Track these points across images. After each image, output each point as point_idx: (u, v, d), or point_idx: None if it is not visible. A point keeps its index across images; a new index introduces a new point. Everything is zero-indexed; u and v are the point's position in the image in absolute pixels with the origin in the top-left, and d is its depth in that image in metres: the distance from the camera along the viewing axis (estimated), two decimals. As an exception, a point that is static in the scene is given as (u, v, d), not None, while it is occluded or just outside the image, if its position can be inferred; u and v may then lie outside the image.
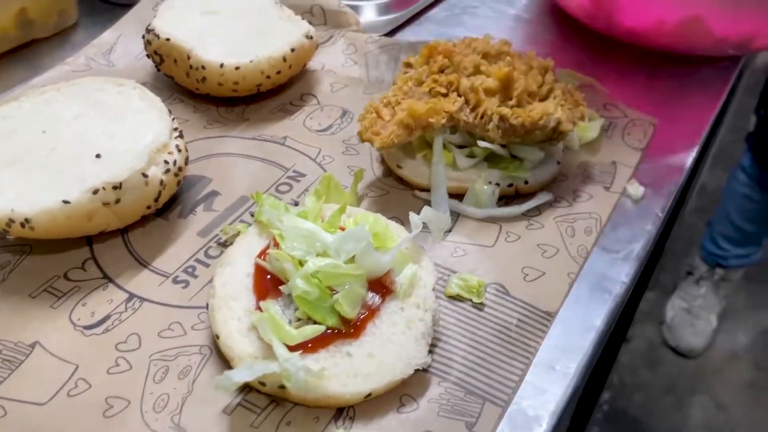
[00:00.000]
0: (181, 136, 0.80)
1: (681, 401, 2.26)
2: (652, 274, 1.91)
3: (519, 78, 0.79)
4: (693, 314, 2.35)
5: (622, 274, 0.75)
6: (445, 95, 0.79)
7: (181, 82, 0.95)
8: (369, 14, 1.15)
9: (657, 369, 2.37)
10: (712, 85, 1.06)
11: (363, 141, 0.78)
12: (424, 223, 0.72)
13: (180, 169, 0.77)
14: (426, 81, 0.80)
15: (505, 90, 0.79)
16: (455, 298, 0.71)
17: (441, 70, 0.81)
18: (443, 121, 0.76)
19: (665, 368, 2.36)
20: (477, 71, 0.81)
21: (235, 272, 0.68)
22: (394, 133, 0.76)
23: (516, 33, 1.17)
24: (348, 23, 1.11)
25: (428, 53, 0.81)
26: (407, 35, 1.14)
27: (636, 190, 0.85)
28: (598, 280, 0.75)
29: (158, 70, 0.97)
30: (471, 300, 0.71)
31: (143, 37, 0.96)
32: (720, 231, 2.27)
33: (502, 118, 0.78)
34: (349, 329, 0.63)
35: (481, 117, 0.78)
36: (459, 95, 0.79)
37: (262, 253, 0.69)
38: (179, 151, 0.77)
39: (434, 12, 1.21)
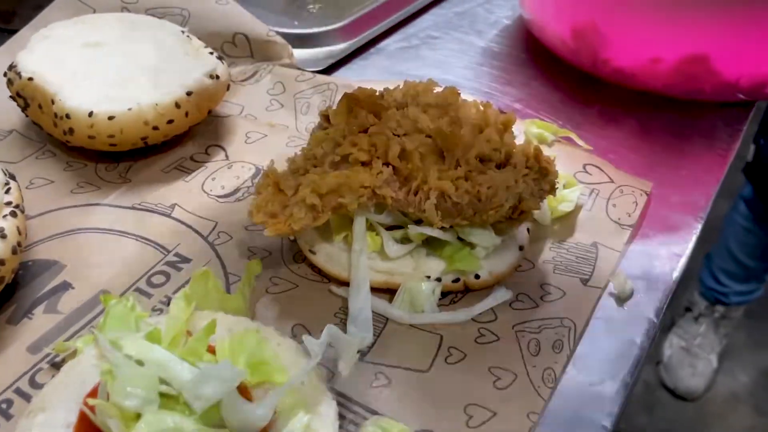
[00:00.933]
0: (14, 214, 0.60)
1: (680, 448, 2.12)
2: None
3: (467, 140, 0.60)
4: (692, 354, 2.24)
5: (602, 415, 0.55)
6: (368, 163, 0.59)
7: (50, 132, 0.75)
8: (303, 45, 0.95)
9: (654, 413, 2.22)
10: (718, 137, 0.86)
11: (255, 223, 0.58)
12: (330, 345, 0.52)
13: (2, 262, 0.56)
14: (343, 144, 0.60)
15: (448, 154, 0.60)
16: (370, 452, 0.51)
17: (364, 129, 0.61)
18: (361, 200, 0.57)
19: (663, 412, 2.21)
20: (415, 129, 0.61)
21: (50, 422, 0.48)
22: (293, 218, 0.56)
23: (483, 71, 0.98)
24: (278, 55, 0.91)
25: (347, 106, 0.61)
26: (350, 73, 0.94)
27: (623, 284, 0.65)
28: (569, 426, 0.54)
29: (26, 115, 0.77)
30: (388, 458, 0.51)
31: (5, 74, 0.76)
32: (720, 265, 2.19)
33: (443, 195, 0.58)
34: None
35: (416, 193, 0.58)
36: (386, 164, 0.58)
37: (93, 393, 0.48)
38: (3, 237, 0.57)
39: (386, 43, 1.02)
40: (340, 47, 0.97)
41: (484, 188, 0.58)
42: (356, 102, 0.61)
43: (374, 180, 0.57)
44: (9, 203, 0.60)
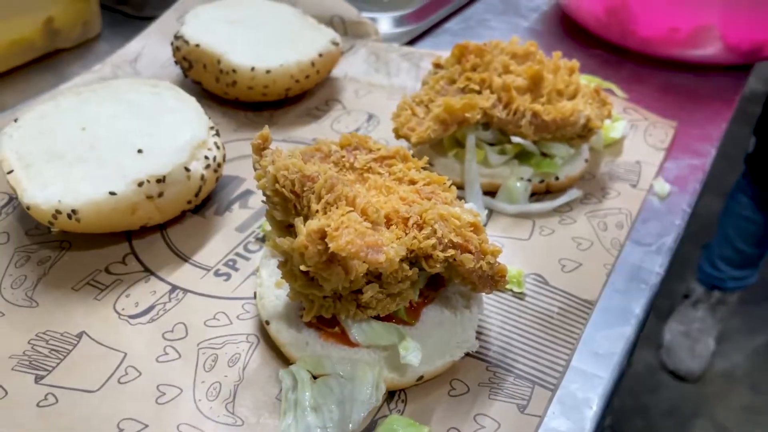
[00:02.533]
0: (217, 134, 0.81)
1: (682, 425, 2.25)
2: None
3: (548, 77, 0.81)
4: (691, 338, 2.34)
5: (656, 266, 0.77)
6: (479, 92, 0.80)
7: (209, 88, 0.96)
8: (385, 26, 1.18)
9: (657, 393, 2.36)
10: (725, 91, 1.09)
11: (399, 137, 0.80)
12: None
13: (219, 165, 0.78)
14: (459, 79, 0.81)
15: (535, 88, 0.81)
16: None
17: (473, 69, 0.82)
18: (478, 116, 0.78)
19: (665, 392, 2.35)
20: (507, 71, 0.83)
21: (264, 279, 0.68)
22: (430, 129, 0.77)
23: (530, 44, 1.20)
24: (367, 33, 1.13)
25: (459, 53, 0.83)
26: (424, 46, 1.17)
27: (662, 187, 0.87)
28: (633, 272, 0.76)
29: (186, 76, 0.99)
30: (512, 290, 0.72)
31: (172, 43, 0.98)
32: (718, 253, 2.26)
33: (535, 114, 0.79)
34: (408, 314, 0.63)
35: (514, 113, 0.80)
36: (492, 92, 0.80)
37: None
38: (218, 148, 0.78)
39: (450, 24, 1.24)
40: (413, 27, 1.18)
41: (564, 110, 0.80)
42: (466, 49, 0.83)
43: (486, 103, 0.79)
44: (212, 127, 0.81)
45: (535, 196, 0.85)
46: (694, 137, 0.97)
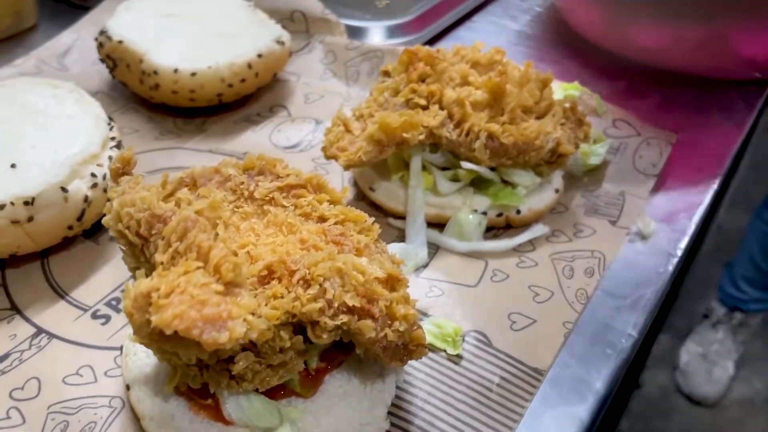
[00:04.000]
0: (119, 146, 0.69)
1: (695, 453, 2.12)
2: (666, 317, 1.77)
3: (512, 91, 0.68)
4: (709, 360, 2.21)
5: (628, 326, 0.63)
6: (425, 108, 0.68)
7: (135, 90, 0.85)
8: (377, 37, 1.03)
9: (670, 418, 2.23)
10: (736, 110, 0.94)
11: (327, 158, 0.67)
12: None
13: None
14: (403, 90, 0.68)
15: (495, 104, 0.68)
16: (427, 347, 0.59)
17: (422, 80, 0.69)
18: (421, 137, 0.65)
19: (678, 417, 2.22)
20: (464, 82, 0.70)
21: None
22: (362, 150, 0.64)
23: (517, 50, 1.06)
24: (332, 32, 1.00)
25: (407, 59, 0.70)
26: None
27: (647, 225, 0.73)
28: (599, 332, 0.62)
29: (113, 76, 0.87)
30: (445, 351, 0.59)
31: (96, 39, 0.86)
32: (742, 273, 2.13)
33: (491, 136, 0.66)
34: (304, 384, 0.51)
35: (467, 134, 0.67)
36: (441, 108, 0.67)
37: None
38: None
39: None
40: (407, 39, 1.03)
41: (528, 131, 0.66)
42: (415, 55, 0.70)
43: (432, 120, 0.66)
44: (113, 138, 0.69)
45: (493, 230, 0.72)
46: (693, 165, 0.83)
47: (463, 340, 0.60)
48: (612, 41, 1.01)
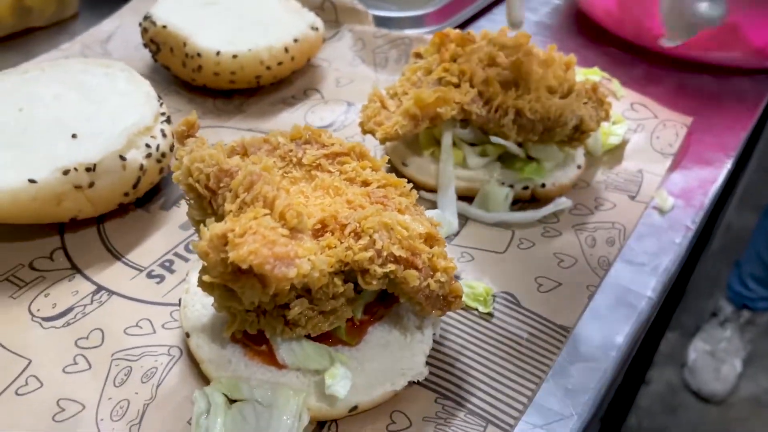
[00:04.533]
0: (168, 121, 0.74)
1: (703, 449, 2.14)
2: (674, 315, 1.80)
3: (537, 70, 0.72)
4: (717, 358, 2.24)
5: (648, 289, 0.67)
6: (457, 86, 0.72)
7: (177, 73, 0.89)
8: (401, 26, 1.07)
9: (677, 414, 2.25)
10: (747, 97, 0.98)
11: (364, 132, 0.72)
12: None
13: (163, 155, 0.70)
14: (436, 69, 0.73)
15: (522, 83, 0.72)
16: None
17: (453, 59, 0.74)
18: (453, 112, 0.69)
19: (686, 414, 2.24)
20: (492, 63, 0.74)
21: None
22: (398, 124, 0.69)
23: (537, 40, 1.10)
24: (360, 22, 1.05)
25: (439, 41, 0.75)
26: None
27: (665, 200, 0.77)
28: (621, 294, 0.66)
29: (155, 60, 0.92)
30: (477, 309, 0.63)
31: (140, 24, 0.91)
32: (749, 271, 2.16)
33: (519, 113, 0.70)
34: (350, 333, 0.55)
35: (496, 111, 0.71)
36: (471, 86, 0.72)
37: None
38: (164, 136, 0.71)
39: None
40: (431, 29, 1.07)
41: (553, 108, 0.71)
42: (447, 37, 0.74)
43: (463, 97, 0.70)
44: (163, 113, 0.74)
45: (519, 204, 0.76)
46: (708, 145, 0.87)
47: (494, 300, 0.64)
48: (628, 30, 1.05)
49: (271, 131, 0.83)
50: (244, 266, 0.42)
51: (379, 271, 0.49)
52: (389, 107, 0.72)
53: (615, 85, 0.91)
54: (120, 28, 1.00)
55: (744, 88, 1.00)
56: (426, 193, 0.76)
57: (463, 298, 0.62)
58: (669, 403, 2.29)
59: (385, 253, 0.49)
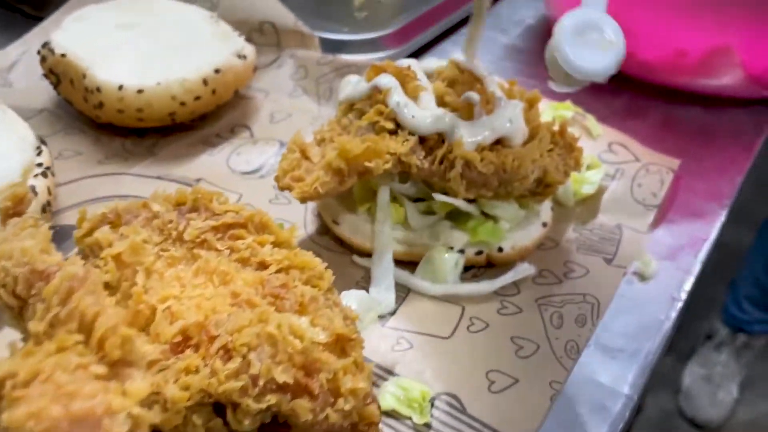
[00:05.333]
0: (45, 174, 0.61)
1: (698, 479, 2.05)
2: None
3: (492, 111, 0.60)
4: (712, 383, 2.18)
5: (625, 384, 0.54)
6: (393, 132, 0.59)
7: (80, 108, 0.76)
8: (354, 51, 0.94)
9: (671, 442, 2.16)
10: (744, 132, 0.86)
11: (280, 188, 0.59)
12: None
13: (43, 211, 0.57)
14: (368, 112, 0.60)
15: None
16: (390, 414, 0.51)
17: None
18: (387, 165, 0.57)
19: (681, 441, 2.15)
20: (441, 102, 0.62)
21: None
22: (319, 181, 0.56)
23: (507, 65, 0.98)
24: (305, 46, 0.92)
25: (374, 75, 0.62)
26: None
27: (647, 264, 0.64)
28: (592, 394, 0.54)
29: (57, 93, 0.79)
30: (411, 418, 0.50)
31: (39, 52, 0.78)
32: (745, 293, 2.11)
33: (468, 164, 0.58)
34: None
35: (441, 162, 0.58)
36: (412, 133, 0.59)
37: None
38: (36, 194, 0.58)
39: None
40: (387, 54, 0.95)
41: (509, 159, 0.58)
42: (383, 72, 0.61)
43: (400, 147, 0.57)
44: (40, 164, 0.61)
45: (472, 270, 0.63)
46: (698, 194, 0.75)
47: (432, 405, 0.51)
48: (608, 56, 0.92)
49: (185, 178, 0.71)
50: (22, 435, 0.29)
51: (254, 406, 0.36)
52: (313, 157, 0.59)
53: (590, 121, 0.78)
54: (25, 55, 0.87)
55: (739, 121, 0.88)
56: (360, 258, 0.63)
57: (395, 405, 0.50)
58: (664, 430, 2.21)
59: (263, 381, 0.37)
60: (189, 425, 0.36)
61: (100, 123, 0.77)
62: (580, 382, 0.54)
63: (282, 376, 0.37)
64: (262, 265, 0.46)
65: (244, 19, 0.91)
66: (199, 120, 0.79)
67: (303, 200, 0.57)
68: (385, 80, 0.60)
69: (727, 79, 0.87)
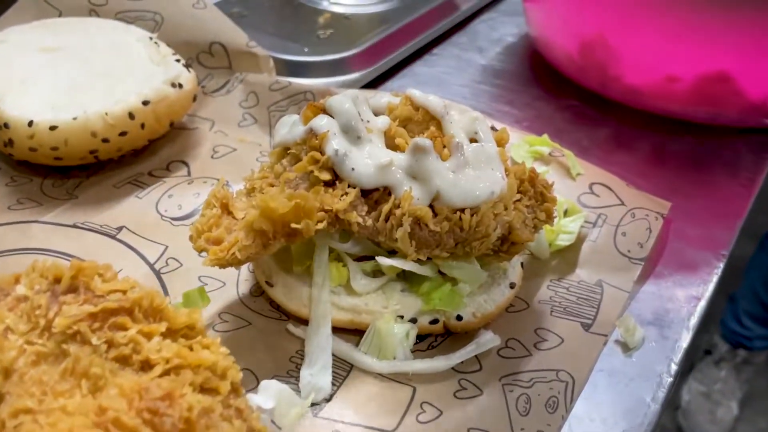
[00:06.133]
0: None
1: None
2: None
3: (448, 155, 0.51)
4: (712, 400, 2.14)
5: (603, 492, 0.46)
6: (331, 184, 0.50)
7: (-7, 144, 0.68)
8: (316, 74, 0.87)
9: (671, 460, 2.12)
10: (743, 166, 0.78)
11: (197, 250, 0.50)
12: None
13: None
14: (304, 159, 0.51)
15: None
16: None
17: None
18: (321, 225, 0.48)
19: (680, 460, 2.11)
20: (391, 145, 0.53)
21: None
22: (238, 245, 0.47)
23: (482, 89, 0.90)
24: (259, 69, 0.83)
25: (312, 115, 0.53)
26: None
27: (631, 332, 0.56)
28: (561, 503, 0.45)
29: (-30, 126, 0.70)
30: None
31: (-54, 81, 0.69)
32: (745, 308, 2.07)
33: (418, 222, 0.49)
34: None
35: (387, 219, 0.50)
36: (352, 185, 0.50)
37: None
38: None
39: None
40: (353, 77, 0.87)
41: (467, 215, 0.49)
42: (321, 112, 0.53)
43: (338, 203, 0.48)
44: None
45: (428, 338, 0.54)
46: (691, 241, 0.66)
47: None
48: (593, 79, 0.84)
49: (105, 226, 0.62)
50: None
51: None
52: (237, 212, 0.50)
53: (570, 159, 0.70)
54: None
55: (737, 153, 0.80)
56: (295, 327, 0.54)
57: None
58: None
59: None
60: None
61: (19, 160, 0.68)
62: (547, 488, 0.45)
63: None
64: (147, 365, 0.37)
65: (191, 39, 0.82)
66: (132, 156, 0.70)
67: (219, 266, 0.48)
68: (322, 122, 0.51)
69: (724, 107, 0.78)
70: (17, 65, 0.69)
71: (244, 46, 0.83)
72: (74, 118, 0.63)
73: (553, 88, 0.89)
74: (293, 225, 0.47)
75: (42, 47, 0.72)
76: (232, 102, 0.79)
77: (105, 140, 0.64)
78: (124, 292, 0.40)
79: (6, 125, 0.62)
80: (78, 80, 0.68)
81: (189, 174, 0.70)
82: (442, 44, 0.98)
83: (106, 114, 0.64)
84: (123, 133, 0.65)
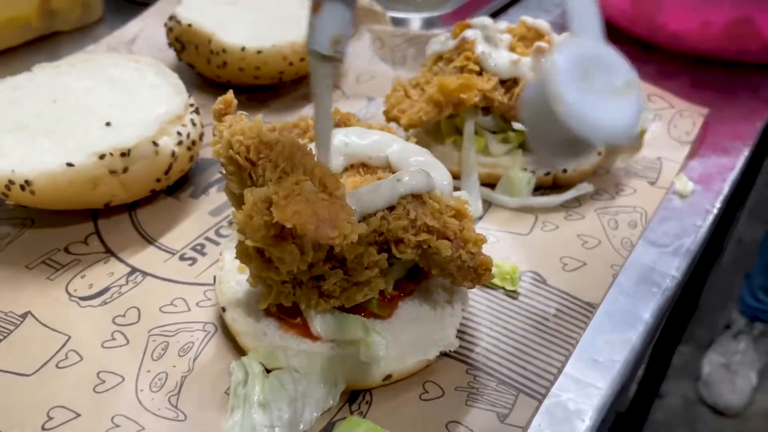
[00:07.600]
0: (197, 112, 0.75)
1: (720, 462, 2.12)
2: (687, 328, 1.80)
3: (558, 58, 0.74)
4: (731, 370, 2.21)
5: (671, 268, 0.68)
6: (479, 74, 0.74)
7: (202, 71, 0.91)
8: (415, 27, 1.11)
9: (693, 428, 2.23)
10: (762, 91, 1.00)
11: (389, 120, 0.73)
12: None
13: (193, 143, 0.72)
14: (457, 58, 0.75)
15: (542, 71, 0.74)
16: (487, 285, 0.65)
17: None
18: (476, 98, 0.71)
19: (703, 427, 2.21)
20: (513, 52, 0.76)
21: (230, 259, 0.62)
22: (422, 111, 0.71)
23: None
24: (378, 22, 1.07)
25: (460, 31, 0.77)
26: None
27: (684, 185, 0.78)
28: (645, 273, 0.67)
29: (179, 59, 0.94)
30: (504, 288, 0.64)
31: (165, 24, 0.93)
32: (760, 284, 2.15)
33: (540, 99, 0.72)
34: (381, 306, 0.56)
35: (518, 98, 0.73)
36: (492, 75, 0.73)
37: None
38: (194, 125, 0.73)
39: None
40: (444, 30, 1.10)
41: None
42: (467, 27, 0.76)
43: (486, 84, 0.72)
44: (192, 104, 0.76)
45: (540, 189, 0.77)
46: (724, 135, 0.89)
47: (520, 278, 0.65)
48: (642, 28, 1.07)
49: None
50: (289, 225, 0.43)
51: (413, 239, 0.50)
52: (412, 96, 0.74)
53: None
54: (144, 31, 1.02)
55: (759, 81, 1.02)
56: (449, 180, 0.77)
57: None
58: (685, 416, 2.26)
59: (418, 223, 0.51)
60: (365, 255, 0.50)
61: (217, 83, 0.92)
62: (635, 266, 0.68)
63: (431, 221, 0.51)
64: None
65: (325, 0, 1.06)
66: (298, 81, 0.94)
67: (408, 127, 0.72)
68: (471, 33, 0.74)
69: (747, 46, 1.00)
70: (213, 13, 0.93)
71: (367, 5, 1.07)
72: (273, 45, 0.86)
73: (608, 38, 1.11)
74: (460, 96, 0.70)
75: (226, 1, 0.96)
76: (363, 46, 1.03)
77: (291, 64, 0.88)
78: (370, 127, 0.63)
79: (224, 50, 0.86)
80: (262, 23, 0.91)
81: (343, 93, 0.93)
82: (515, 7, 1.22)
83: (294, 43, 0.87)
84: (302, 59, 0.88)
